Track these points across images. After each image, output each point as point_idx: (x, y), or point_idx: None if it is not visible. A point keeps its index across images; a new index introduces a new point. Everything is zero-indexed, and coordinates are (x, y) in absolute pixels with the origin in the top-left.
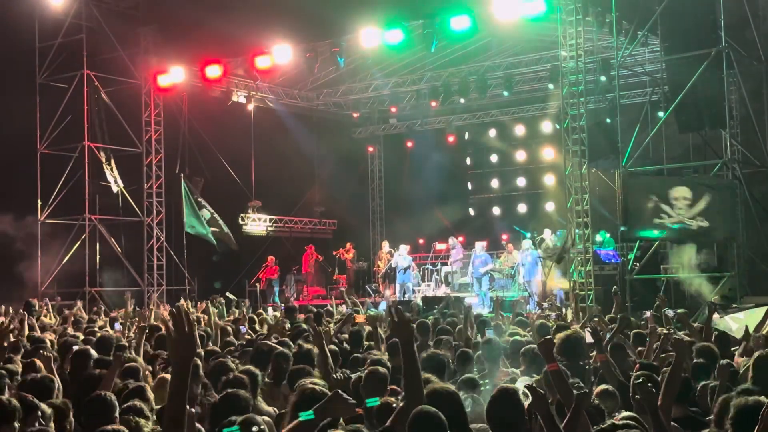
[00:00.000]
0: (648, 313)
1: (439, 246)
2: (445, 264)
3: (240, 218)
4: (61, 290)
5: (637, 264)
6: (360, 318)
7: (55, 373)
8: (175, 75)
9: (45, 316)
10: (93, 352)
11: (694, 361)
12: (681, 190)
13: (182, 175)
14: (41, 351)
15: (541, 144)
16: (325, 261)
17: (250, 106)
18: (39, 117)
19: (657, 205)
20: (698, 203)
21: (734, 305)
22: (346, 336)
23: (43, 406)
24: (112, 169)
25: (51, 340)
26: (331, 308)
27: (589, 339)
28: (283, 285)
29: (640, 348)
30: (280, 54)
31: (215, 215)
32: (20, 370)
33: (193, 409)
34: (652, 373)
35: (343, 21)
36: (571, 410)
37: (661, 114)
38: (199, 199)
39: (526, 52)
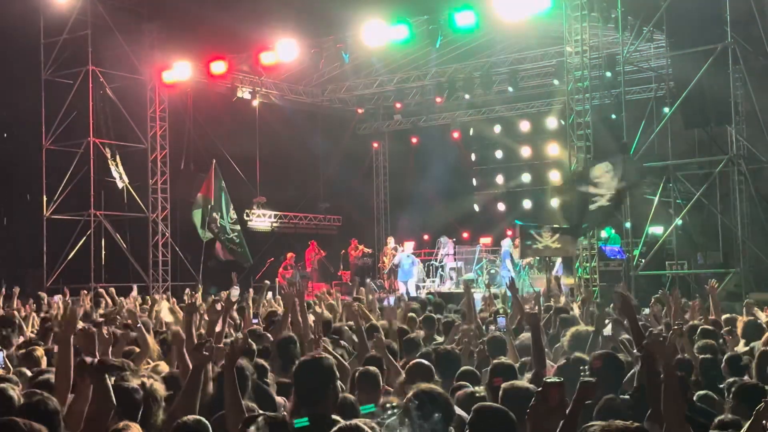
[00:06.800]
0: None
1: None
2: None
3: (245, 214)
4: (66, 286)
5: (642, 260)
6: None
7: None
8: (179, 71)
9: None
10: None
11: (701, 357)
12: (599, 167)
13: (214, 161)
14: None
15: (546, 140)
16: (326, 258)
17: (255, 102)
18: (44, 113)
19: (587, 191)
20: (616, 168)
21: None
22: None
23: None
24: (117, 165)
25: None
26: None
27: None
28: None
29: None
30: (284, 50)
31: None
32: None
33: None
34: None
35: (347, 17)
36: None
37: (666, 110)
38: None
39: (531, 48)
